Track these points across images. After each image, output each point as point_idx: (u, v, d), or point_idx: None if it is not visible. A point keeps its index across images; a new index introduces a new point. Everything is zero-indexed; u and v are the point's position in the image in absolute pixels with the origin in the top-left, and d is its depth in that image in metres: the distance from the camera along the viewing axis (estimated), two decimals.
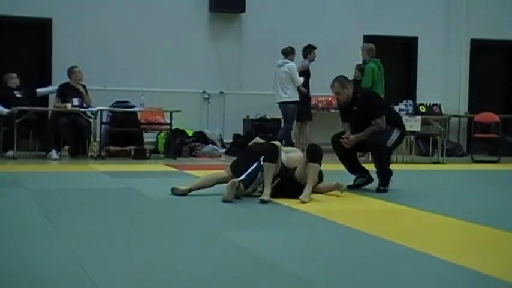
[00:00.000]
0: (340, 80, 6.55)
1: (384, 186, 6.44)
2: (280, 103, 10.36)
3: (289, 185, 5.77)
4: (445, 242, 4.24)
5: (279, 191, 5.74)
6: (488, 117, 11.11)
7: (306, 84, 10.64)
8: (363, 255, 3.80)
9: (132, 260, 3.54)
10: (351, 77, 10.55)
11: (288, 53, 10.36)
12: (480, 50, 12.49)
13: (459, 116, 12.20)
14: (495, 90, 12.78)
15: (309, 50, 10.71)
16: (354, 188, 6.56)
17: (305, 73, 10.65)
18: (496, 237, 4.38)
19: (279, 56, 10.65)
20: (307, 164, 5.81)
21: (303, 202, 5.55)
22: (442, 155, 10.39)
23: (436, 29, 12.34)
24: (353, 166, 6.71)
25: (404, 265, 3.59)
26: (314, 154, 5.82)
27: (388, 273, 3.39)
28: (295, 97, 10.30)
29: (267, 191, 5.62)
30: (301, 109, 10.54)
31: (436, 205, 5.57)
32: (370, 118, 6.44)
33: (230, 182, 5.62)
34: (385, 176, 6.47)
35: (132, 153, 10.17)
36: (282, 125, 10.63)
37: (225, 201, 5.51)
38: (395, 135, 6.50)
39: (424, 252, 3.76)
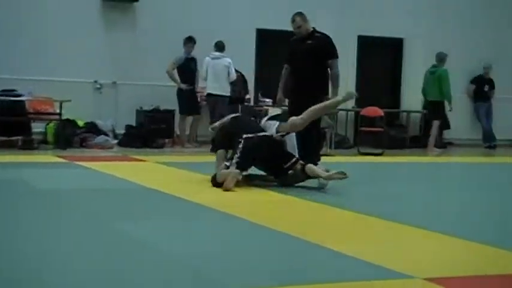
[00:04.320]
0: (302, 14, 6.94)
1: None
2: (214, 95, 10.44)
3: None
4: (334, 233, 4.41)
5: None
6: (373, 111, 11.61)
7: (188, 78, 10.66)
8: (254, 245, 3.91)
9: (15, 255, 3.47)
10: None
11: (222, 47, 10.52)
12: (366, 46, 13.01)
13: (347, 110, 12.66)
14: (380, 85, 13.36)
15: (185, 42, 10.72)
16: None
17: (182, 67, 10.65)
18: (383, 227, 4.61)
19: (173, 47, 10.68)
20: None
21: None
22: (330, 147, 10.76)
23: (327, 25, 12.68)
24: None
25: (291, 255, 3.73)
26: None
27: (277, 263, 3.52)
28: (229, 92, 10.48)
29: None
30: (188, 103, 10.65)
31: (325, 196, 5.79)
32: (321, 55, 6.82)
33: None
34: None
35: (19, 143, 9.85)
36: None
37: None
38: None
39: (315, 243, 3.92)
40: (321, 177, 6.01)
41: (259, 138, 6.14)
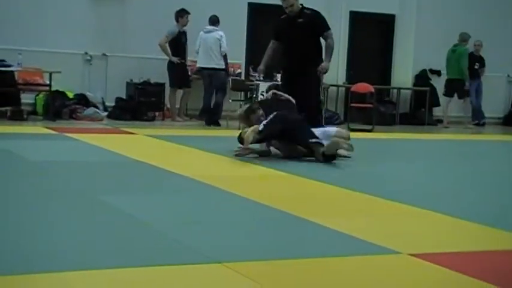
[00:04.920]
0: None
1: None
2: (207, 69, 10.38)
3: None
4: (321, 208, 4.44)
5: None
6: (364, 87, 11.61)
7: (179, 51, 10.61)
8: (239, 219, 3.94)
9: (3, 225, 3.48)
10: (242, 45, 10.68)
11: (215, 21, 10.46)
12: (358, 21, 12.97)
13: (337, 86, 12.66)
14: (371, 61, 13.35)
15: (181, 14, 10.64)
16: None
17: (174, 40, 10.57)
18: (371, 203, 4.63)
19: (163, 19, 10.59)
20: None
21: None
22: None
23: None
24: None
25: (276, 229, 3.76)
26: None
27: (261, 237, 3.55)
28: (223, 64, 10.42)
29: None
30: (178, 76, 10.61)
31: (314, 172, 5.81)
32: (315, 32, 6.90)
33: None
34: None
35: (8, 114, 9.80)
36: (208, 92, 10.52)
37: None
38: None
39: (301, 217, 3.95)
40: (343, 148, 6.17)
41: (291, 115, 6.44)
